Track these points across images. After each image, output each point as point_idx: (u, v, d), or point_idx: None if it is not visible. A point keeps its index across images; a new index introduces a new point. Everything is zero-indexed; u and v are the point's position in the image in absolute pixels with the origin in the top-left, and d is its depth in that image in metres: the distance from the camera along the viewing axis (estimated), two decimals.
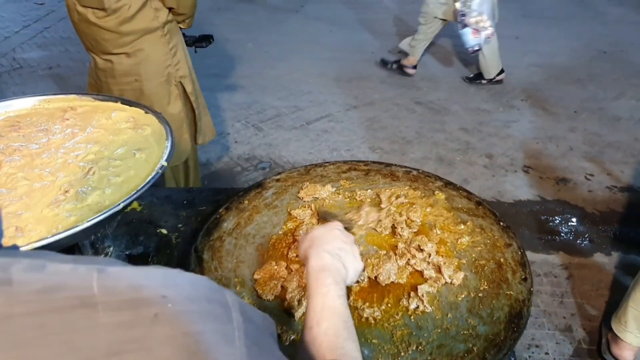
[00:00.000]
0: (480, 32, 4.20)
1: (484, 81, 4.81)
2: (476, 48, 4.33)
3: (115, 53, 2.09)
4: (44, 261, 0.43)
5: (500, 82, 4.82)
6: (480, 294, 1.16)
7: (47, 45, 5.78)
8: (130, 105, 1.52)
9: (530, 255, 2.84)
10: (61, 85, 4.77)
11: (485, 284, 1.18)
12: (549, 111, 4.39)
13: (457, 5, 4.17)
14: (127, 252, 1.36)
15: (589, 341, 2.38)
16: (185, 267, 1.26)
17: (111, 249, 1.36)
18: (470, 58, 5.01)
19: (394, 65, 5.05)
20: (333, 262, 0.85)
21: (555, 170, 3.60)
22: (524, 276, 1.19)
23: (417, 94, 4.71)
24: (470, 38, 4.24)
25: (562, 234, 3.01)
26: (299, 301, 1.12)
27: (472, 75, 4.94)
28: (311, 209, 1.39)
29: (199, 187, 2.70)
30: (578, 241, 2.95)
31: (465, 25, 4.16)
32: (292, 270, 1.21)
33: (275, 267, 1.21)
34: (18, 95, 1.57)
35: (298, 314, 1.10)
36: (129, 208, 1.39)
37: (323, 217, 1.30)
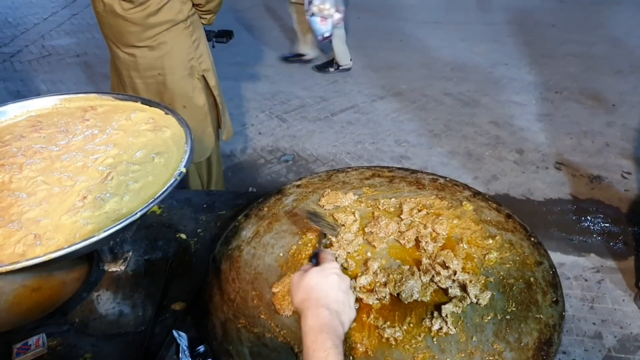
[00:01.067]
0: (327, 20, 4.20)
1: (331, 69, 4.87)
2: (326, 35, 4.34)
3: (138, 46, 2.07)
4: None
5: (348, 69, 4.87)
6: (507, 316, 1.10)
7: (75, 33, 5.85)
8: (150, 106, 1.49)
9: (560, 257, 2.74)
10: (88, 74, 4.82)
11: (513, 305, 1.12)
12: (585, 104, 4.21)
13: None
14: (146, 257, 1.35)
15: (620, 349, 2.29)
16: (203, 276, 1.24)
17: (130, 253, 1.35)
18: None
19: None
20: (331, 320, 0.83)
21: (590, 167, 3.45)
22: (555, 298, 1.13)
23: (446, 85, 4.57)
24: (319, 26, 4.25)
25: (595, 236, 2.89)
26: None
27: (320, 64, 4.96)
28: (354, 216, 1.34)
29: (218, 188, 2.69)
30: (611, 243, 2.83)
31: (313, 14, 4.20)
32: None
33: None
34: (41, 91, 1.57)
35: None
36: (149, 212, 1.38)
37: (309, 218, 1.19)
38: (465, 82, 4.62)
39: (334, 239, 1.27)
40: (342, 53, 4.75)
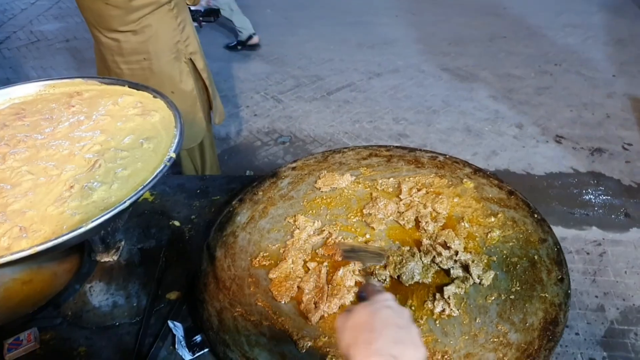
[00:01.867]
0: None
1: (239, 47, 4.85)
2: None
3: (121, 31, 1.99)
4: None
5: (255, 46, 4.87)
6: (511, 296, 1.07)
7: (63, 17, 5.72)
8: (137, 89, 1.44)
9: (562, 231, 2.72)
10: (78, 58, 4.72)
11: (518, 284, 1.09)
12: (585, 76, 4.14)
13: None
14: (139, 246, 1.31)
15: (623, 321, 2.28)
16: (198, 264, 1.20)
17: (122, 243, 1.31)
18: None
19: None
20: None
21: (590, 139, 3.41)
22: (560, 276, 1.09)
23: (443, 60, 4.49)
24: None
25: (596, 208, 2.86)
26: (316, 304, 1.06)
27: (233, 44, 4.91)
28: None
29: (213, 173, 2.64)
30: (613, 216, 2.81)
31: None
32: (308, 269, 1.14)
33: (292, 265, 1.14)
34: (31, 78, 1.51)
35: (315, 318, 1.04)
36: (141, 199, 1.34)
37: (347, 257, 1.05)
38: (462, 56, 4.54)
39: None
40: (245, 28, 4.72)
